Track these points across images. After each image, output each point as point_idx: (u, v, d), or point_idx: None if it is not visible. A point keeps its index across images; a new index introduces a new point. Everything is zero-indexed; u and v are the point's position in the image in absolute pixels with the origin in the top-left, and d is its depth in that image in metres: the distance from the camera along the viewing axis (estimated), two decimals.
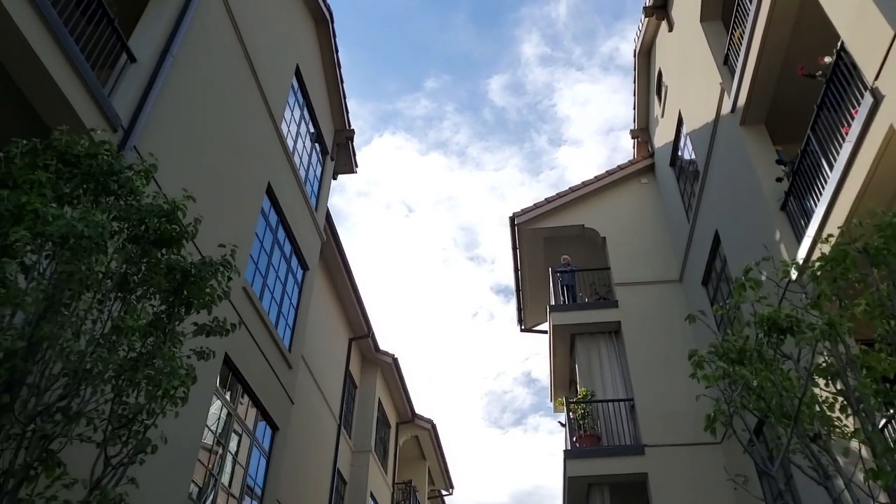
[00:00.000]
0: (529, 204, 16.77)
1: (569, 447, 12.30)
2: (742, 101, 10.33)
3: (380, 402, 21.77)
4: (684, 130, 14.13)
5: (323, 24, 15.76)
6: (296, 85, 14.52)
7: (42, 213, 4.38)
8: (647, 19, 15.69)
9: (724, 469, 11.67)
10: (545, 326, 17.52)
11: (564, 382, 16.00)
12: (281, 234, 13.14)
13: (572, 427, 12.51)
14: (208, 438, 9.73)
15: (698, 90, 12.80)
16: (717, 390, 5.91)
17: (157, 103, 8.52)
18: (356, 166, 17.98)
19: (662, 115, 15.93)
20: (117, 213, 5.25)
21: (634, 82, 17.42)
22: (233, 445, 10.55)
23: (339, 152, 17.38)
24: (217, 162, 10.27)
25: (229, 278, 5.96)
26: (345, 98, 17.00)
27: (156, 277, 5.32)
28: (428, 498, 26.79)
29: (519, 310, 18.55)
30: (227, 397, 10.38)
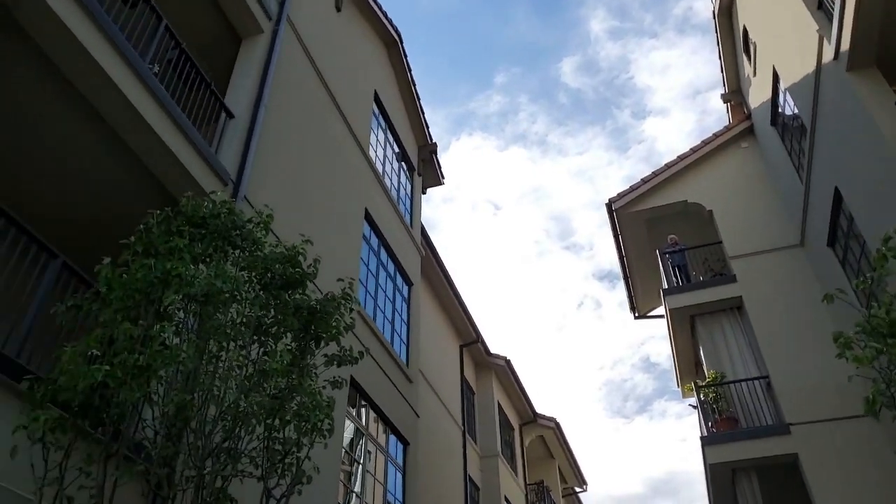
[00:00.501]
0: (621, 183, 16.59)
1: (705, 433, 11.99)
2: (845, 45, 9.77)
3: (499, 406, 22.00)
4: (782, 86, 13.48)
5: (393, 45, 16.23)
6: (376, 110, 15.04)
7: (185, 276, 4.88)
8: None
9: (877, 442, 11.02)
10: (660, 311, 17.15)
11: (690, 366, 15.59)
12: (383, 255, 13.64)
13: (706, 412, 12.19)
14: (346, 459, 10.27)
15: (792, 42, 12.21)
16: (870, 369, 5.62)
17: (257, 152, 9.14)
18: (442, 178, 18.33)
19: (754, 74, 15.26)
20: (245, 265, 5.72)
21: (718, 45, 16.78)
22: (369, 464, 11.06)
23: (424, 167, 17.79)
24: (318, 197, 10.84)
25: (351, 310, 6.34)
26: (423, 113, 17.40)
27: (287, 318, 5.76)
28: (562, 497, 26.73)
29: (630, 297, 18.24)
30: (358, 418, 10.91)
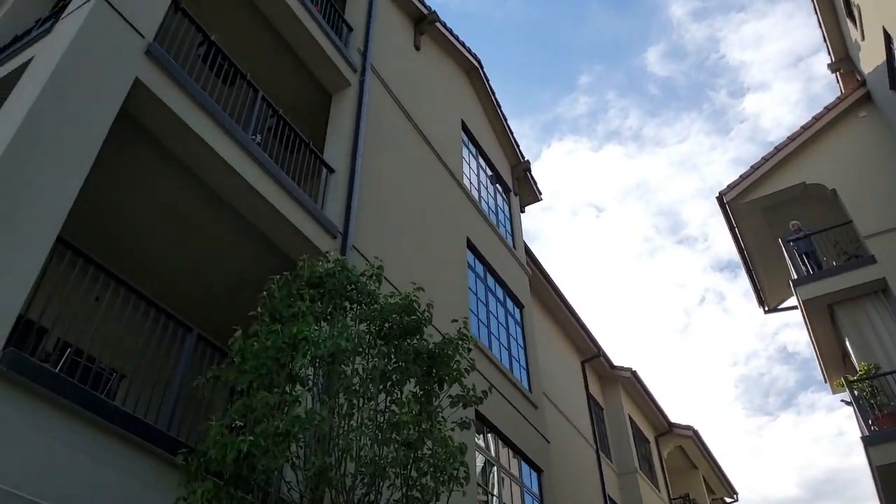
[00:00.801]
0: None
1: (866, 432, 11.04)
2: None
3: (631, 419, 21.31)
4: None
5: (473, 71, 16.40)
6: (465, 138, 15.20)
7: (311, 338, 5.09)
8: None
9: None
10: (792, 302, 16.09)
11: (836, 359, 14.47)
12: (490, 281, 13.66)
13: (863, 408, 11.24)
14: (481, 490, 10.26)
15: None
16: None
17: (359, 201, 9.45)
18: (539, 194, 18.19)
19: (863, 38, 14.18)
20: (363, 318, 5.90)
21: (817, 13, 15.76)
22: (504, 495, 10.98)
23: (519, 185, 17.73)
24: (420, 233, 11.05)
25: (469, 349, 6.38)
26: (511, 133, 17.40)
27: (409, 366, 5.87)
28: None
29: (757, 291, 17.24)
30: (488, 450, 10.89)
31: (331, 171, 9.52)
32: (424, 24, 14.26)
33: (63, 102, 5.73)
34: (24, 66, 6.41)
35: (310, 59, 10.30)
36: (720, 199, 15.87)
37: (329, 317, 5.88)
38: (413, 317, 5.86)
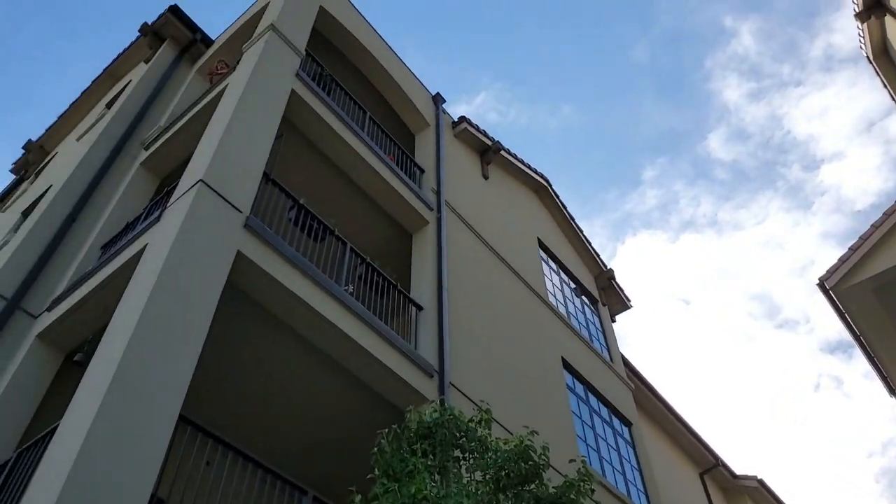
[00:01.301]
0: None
1: None
2: None
3: None
4: None
5: (542, 189, 16.79)
6: (544, 255, 15.33)
7: (431, 497, 5.01)
8: (864, 24, 14.28)
9: None
10: None
11: None
12: (593, 400, 13.23)
13: None
14: None
15: None
16: None
17: (451, 336, 9.55)
18: (628, 301, 17.87)
19: None
20: (478, 468, 5.79)
21: (879, 76, 15.54)
22: None
23: (606, 295, 17.51)
24: (515, 360, 10.97)
25: (592, 490, 6.11)
26: (589, 243, 17.44)
27: None
28: None
29: (882, 376, 15.96)
30: None
31: (419, 308, 9.73)
32: (489, 153, 14.88)
33: (176, 286, 6.19)
34: (140, 253, 7.02)
35: (389, 205, 10.84)
36: (822, 285, 15.13)
37: (442, 470, 5.79)
38: (530, 463, 5.72)
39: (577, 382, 12.99)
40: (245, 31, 11.85)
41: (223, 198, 7.29)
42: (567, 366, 12.80)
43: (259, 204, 8.15)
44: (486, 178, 14.50)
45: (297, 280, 7.55)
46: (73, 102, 14.59)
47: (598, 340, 15.54)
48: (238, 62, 10.22)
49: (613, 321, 17.51)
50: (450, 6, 54.03)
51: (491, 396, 9.45)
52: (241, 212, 7.42)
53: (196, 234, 6.73)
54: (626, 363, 16.46)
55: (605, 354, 15.20)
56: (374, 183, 10.60)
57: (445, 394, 8.67)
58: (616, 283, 17.52)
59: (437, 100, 14.46)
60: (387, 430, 6.00)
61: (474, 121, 14.97)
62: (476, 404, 8.84)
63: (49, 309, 8.11)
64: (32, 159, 14.88)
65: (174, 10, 12.78)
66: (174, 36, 12.88)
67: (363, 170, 10.44)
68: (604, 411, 13.39)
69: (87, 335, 7.63)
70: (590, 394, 13.22)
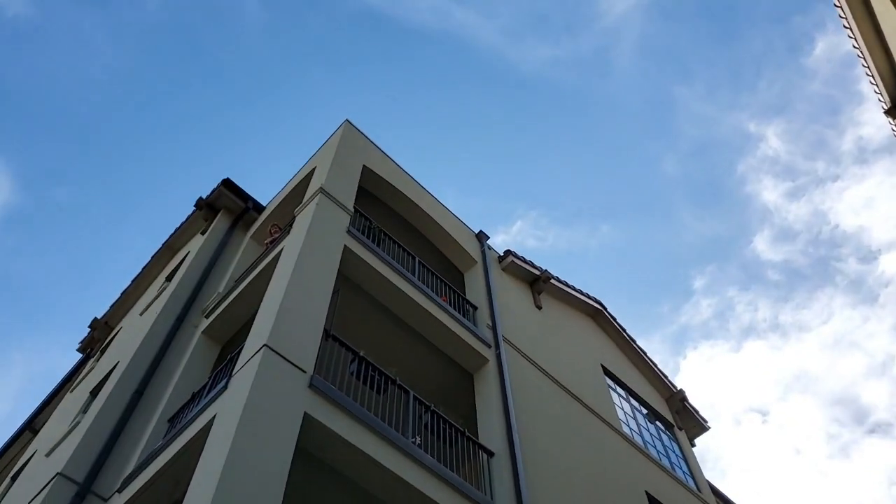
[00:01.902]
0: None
1: None
2: None
3: None
4: None
5: (598, 314, 16.66)
6: (610, 382, 14.93)
7: None
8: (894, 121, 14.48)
9: None
10: None
11: None
12: None
13: None
14: None
15: None
16: None
17: (527, 483, 9.17)
18: (705, 422, 17.05)
19: None
20: None
21: None
22: None
23: (681, 418, 16.76)
24: (598, 500, 10.39)
25: None
26: (655, 365, 16.98)
27: None
28: None
29: None
30: None
31: (490, 454, 9.44)
32: (539, 283, 14.99)
33: (248, 457, 6.18)
34: (209, 425, 7.09)
35: (447, 347, 10.87)
36: None
37: None
38: None
39: None
40: (295, 195, 12.58)
41: (287, 360, 7.43)
42: (653, 501, 12.05)
43: (321, 361, 8.26)
44: (539, 308, 14.51)
45: (365, 437, 7.47)
46: (135, 278, 15.37)
47: (681, 468, 14.69)
48: (291, 225, 10.78)
49: (693, 445, 16.63)
50: (476, 142, 56.67)
51: None
52: (305, 372, 7.52)
53: (264, 400, 6.81)
54: (713, 491, 15.43)
55: (691, 483, 14.30)
56: (431, 326, 10.70)
57: None
58: (689, 404, 16.81)
59: (481, 237, 14.84)
60: None
61: (514, 248, 15.24)
62: None
63: (120, 490, 8.12)
64: (98, 336, 15.50)
65: (227, 184, 13.71)
66: (228, 206, 13.72)
67: (419, 314, 10.59)
68: None
69: None
70: None
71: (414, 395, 9.01)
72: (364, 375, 8.75)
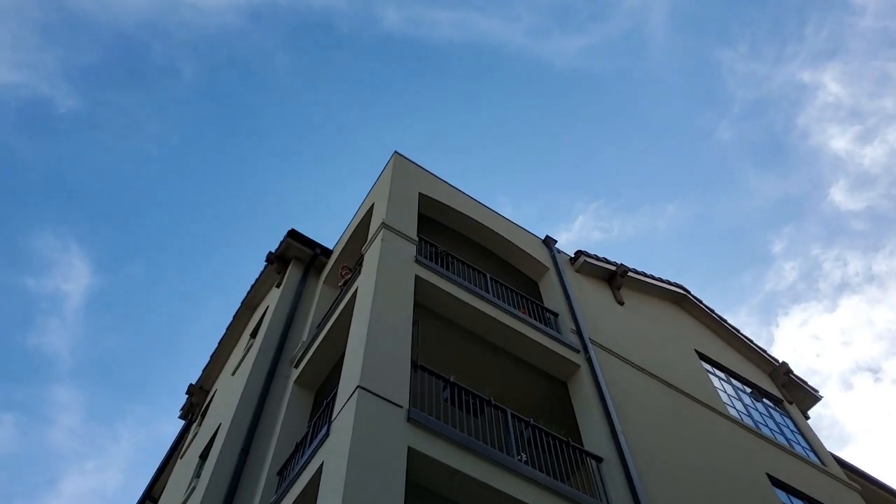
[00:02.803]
0: None
1: None
2: None
3: None
4: None
5: (683, 299, 16.25)
6: (707, 367, 14.50)
7: None
8: None
9: None
10: None
11: None
12: None
13: None
14: None
15: None
16: None
17: (643, 484, 8.98)
18: (816, 391, 16.33)
19: None
20: None
21: None
22: None
23: (789, 391, 16.09)
24: (720, 495, 10.09)
25: None
26: (751, 341, 16.40)
27: None
28: None
29: None
30: None
31: (598, 460, 9.30)
32: (617, 278, 14.74)
33: (362, 496, 6.28)
34: (318, 473, 7.25)
35: (536, 359, 10.81)
36: None
37: None
38: None
39: (794, 499, 11.66)
40: (359, 234, 12.83)
41: (382, 398, 7.55)
42: (776, 482, 11.59)
43: (414, 393, 8.34)
44: (621, 303, 14.27)
45: (472, 463, 7.50)
46: (221, 340, 15.93)
47: (799, 444, 14.08)
48: (360, 264, 10.98)
49: (807, 418, 15.94)
50: (523, 147, 56.47)
51: None
52: (401, 406, 7.61)
53: (367, 440, 6.92)
54: (840, 463, 14.70)
55: (813, 458, 13.68)
56: (515, 341, 10.67)
57: None
58: (795, 376, 16.14)
59: (549, 242, 14.74)
60: None
61: (579, 244, 15.06)
62: None
63: None
64: (196, 401, 16.10)
65: (293, 234, 14.10)
66: (297, 256, 14.10)
67: (501, 331, 10.58)
68: None
69: None
70: None
71: (511, 413, 8.98)
72: (458, 401, 8.79)
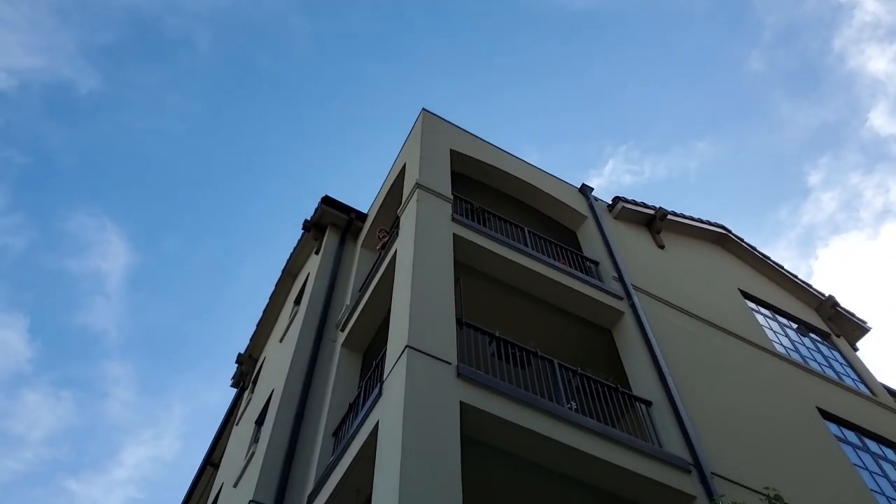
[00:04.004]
0: None
1: None
2: None
3: None
4: None
5: (724, 238, 16.07)
6: (752, 305, 14.42)
7: None
8: None
9: None
10: None
11: None
12: (872, 445, 11.76)
13: None
14: None
15: None
16: None
17: (693, 424, 9.08)
18: (864, 322, 16.14)
19: None
20: None
21: None
22: None
23: (837, 324, 15.93)
24: (770, 431, 10.18)
25: None
26: (796, 276, 16.20)
27: None
28: None
29: None
30: None
31: (648, 404, 9.41)
32: (656, 222, 14.63)
33: (420, 454, 6.50)
34: (374, 431, 7.48)
35: (579, 308, 10.88)
36: None
37: None
38: None
39: (845, 430, 11.68)
40: (393, 195, 12.91)
41: (431, 356, 7.72)
42: (826, 415, 11.60)
43: (461, 350, 8.50)
44: (661, 247, 14.18)
45: (523, 413, 7.66)
46: (265, 308, 16.30)
47: (849, 376, 14.01)
48: (397, 226, 11.09)
49: (856, 350, 15.80)
50: (547, 93, 55.52)
51: (758, 476, 8.74)
52: (449, 363, 7.78)
53: (420, 398, 7.12)
54: (891, 393, 14.61)
55: (864, 389, 13.62)
56: (557, 292, 10.74)
57: (710, 484, 8.16)
58: (842, 308, 15.95)
59: (585, 190, 14.65)
60: None
61: (610, 188, 14.95)
62: (746, 487, 8.26)
63: None
64: (246, 370, 16.61)
65: (327, 200, 14.25)
66: (333, 222, 14.26)
67: (542, 283, 10.65)
68: (889, 454, 11.82)
69: None
70: (866, 439, 11.78)
71: (559, 363, 9.10)
72: (505, 354, 8.94)
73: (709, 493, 8.01)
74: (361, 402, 8.91)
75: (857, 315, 16.24)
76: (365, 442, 7.69)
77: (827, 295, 16.00)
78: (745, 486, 8.40)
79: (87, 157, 48.99)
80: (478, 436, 7.56)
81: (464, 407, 7.36)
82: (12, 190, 48.44)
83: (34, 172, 49.55)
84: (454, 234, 10.21)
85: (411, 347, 7.69)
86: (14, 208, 49.02)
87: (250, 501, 9.02)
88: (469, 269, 10.36)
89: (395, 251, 10.29)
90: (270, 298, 16.19)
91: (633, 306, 11.02)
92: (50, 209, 49.76)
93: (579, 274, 11.15)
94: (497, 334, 9.01)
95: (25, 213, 49.74)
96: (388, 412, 7.32)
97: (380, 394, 7.92)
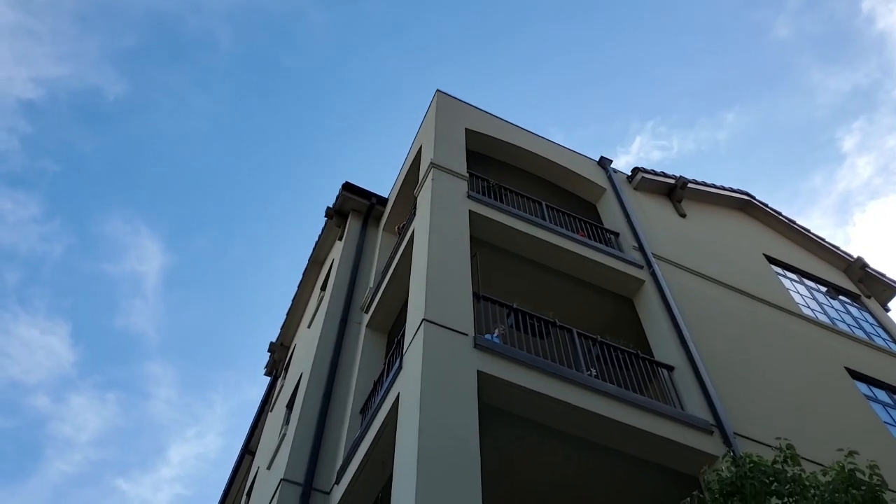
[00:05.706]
0: None
1: None
2: None
3: None
4: None
5: (748, 205, 15.84)
6: (779, 269, 14.21)
7: None
8: None
9: None
10: None
11: None
12: None
13: None
14: None
15: None
16: None
17: (716, 387, 9.04)
18: (895, 282, 15.77)
19: None
20: None
21: None
22: None
23: (867, 285, 15.61)
24: (796, 391, 10.08)
25: None
26: (822, 239, 15.90)
27: None
28: None
29: None
30: None
31: (670, 369, 9.38)
32: (677, 191, 14.47)
33: (438, 422, 6.62)
34: (395, 404, 7.61)
35: (599, 279, 10.86)
36: None
37: None
38: (863, 488, 5.13)
39: (875, 389, 11.48)
40: (411, 177, 12.99)
41: (448, 328, 7.81)
42: (856, 374, 11.41)
43: (479, 322, 8.57)
44: (683, 216, 14.04)
45: (541, 380, 7.72)
46: (294, 297, 16.56)
47: (879, 336, 13.74)
48: (415, 206, 11.17)
49: (887, 310, 15.47)
50: (569, 73, 54.95)
51: (783, 435, 8.65)
52: (466, 335, 7.86)
53: (437, 367, 7.22)
54: None
55: (895, 349, 13.35)
56: (576, 263, 10.73)
57: (733, 444, 8.12)
58: (872, 269, 15.62)
59: (604, 162, 14.54)
60: (689, 499, 5.75)
61: (640, 166, 14.74)
62: (769, 446, 8.18)
63: (337, 481, 8.93)
64: (278, 357, 16.91)
65: (347, 187, 14.38)
66: (354, 208, 14.40)
67: (560, 256, 10.64)
68: None
69: (376, 493, 8.26)
70: (895, 396, 11.58)
71: (577, 332, 9.12)
72: (524, 325, 8.98)
73: (733, 453, 7.97)
74: (385, 378, 9.05)
75: (888, 276, 15.89)
76: (388, 415, 7.82)
77: (856, 257, 15.68)
78: (769, 446, 8.31)
79: (117, 161, 50.04)
80: (498, 403, 7.64)
81: (481, 376, 7.44)
82: (48, 198, 49.77)
83: (67, 179, 50.82)
84: (470, 211, 10.26)
85: (427, 320, 7.79)
86: (51, 216, 50.38)
87: (282, 480, 9.24)
88: (486, 244, 10.41)
89: (413, 230, 10.38)
90: (298, 287, 16.43)
91: (653, 274, 10.95)
92: (85, 215, 51.01)
93: (599, 245, 11.11)
94: (515, 306, 9.06)
95: (62, 219, 51.06)
96: (408, 383, 7.44)
97: (400, 367, 8.04)
